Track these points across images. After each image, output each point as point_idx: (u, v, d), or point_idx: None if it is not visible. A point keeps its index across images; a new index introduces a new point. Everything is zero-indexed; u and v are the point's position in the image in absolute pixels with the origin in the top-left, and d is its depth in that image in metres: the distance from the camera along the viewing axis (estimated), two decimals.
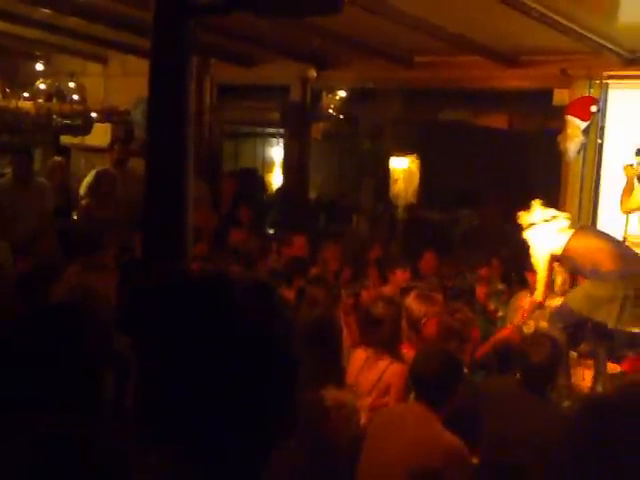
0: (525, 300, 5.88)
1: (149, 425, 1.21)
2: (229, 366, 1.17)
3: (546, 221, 5.56)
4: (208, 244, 6.25)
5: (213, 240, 6.58)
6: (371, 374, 4.32)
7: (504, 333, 5.54)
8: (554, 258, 5.54)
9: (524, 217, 5.68)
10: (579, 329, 5.53)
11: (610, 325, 5.13)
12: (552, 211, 5.62)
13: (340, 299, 5.27)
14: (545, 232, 5.55)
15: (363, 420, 3.74)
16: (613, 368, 6.68)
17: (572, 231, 5.55)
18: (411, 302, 4.72)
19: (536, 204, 5.62)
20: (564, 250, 5.45)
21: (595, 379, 5.36)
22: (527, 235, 5.67)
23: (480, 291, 6.39)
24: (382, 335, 4.36)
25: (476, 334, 4.32)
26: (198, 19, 3.93)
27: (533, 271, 6.50)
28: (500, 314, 6.75)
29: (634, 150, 7.01)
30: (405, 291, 5.39)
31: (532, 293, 6.62)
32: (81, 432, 1.80)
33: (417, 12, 5.97)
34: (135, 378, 1.22)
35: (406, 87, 8.24)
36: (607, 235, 5.75)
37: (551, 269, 5.59)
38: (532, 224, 5.45)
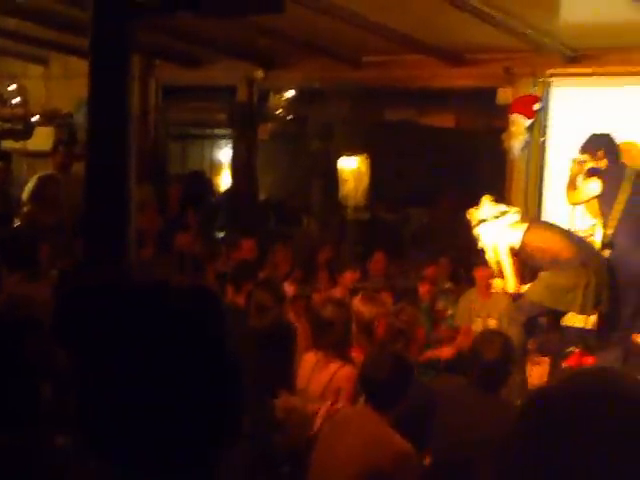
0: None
1: (87, 433, 1.17)
2: (166, 371, 1.14)
3: (496, 217, 5.60)
4: (153, 248, 6.15)
5: (159, 244, 6.48)
6: (322, 377, 4.29)
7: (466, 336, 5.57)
8: (513, 251, 5.57)
9: (474, 214, 5.71)
10: (534, 324, 5.60)
11: (576, 312, 5.17)
12: (502, 207, 5.66)
13: (289, 303, 5.23)
14: (496, 228, 5.59)
15: (315, 424, 3.71)
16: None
17: (524, 225, 5.60)
18: (359, 305, 4.71)
19: (486, 200, 5.65)
20: (521, 245, 5.49)
21: (551, 375, 5.41)
22: (477, 231, 5.71)
23: (423, 290, 6.40)
24: (332, 338, 4.33)
25: (421, 334, 4.31)
26: (140, 19, 3.85)
27: (481, 268, 6.55)
28: (449, 312, 6.80)
29: (578, 147, 7.12)
30: (354, 293, 5.38)
31: (479, 290, 6.69)
32: (19, 444, 1.75)
33: (362, 11, 5.96)
34: (73, 386, 1.18)
35: (354, 87, 8.24)
36: (559, 227, 5.82)
37: (516, 260, 5.62)
38: (482, 220, 5.48)
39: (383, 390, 3.29)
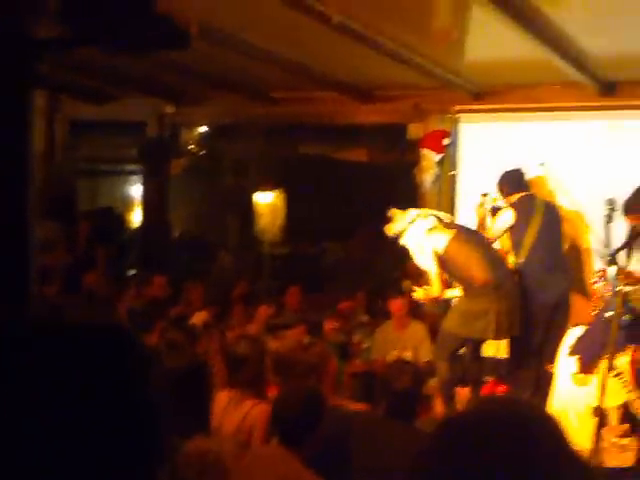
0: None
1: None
2: (73, 414, 1.06)
3: (412, 222, 5.59)
4: (59, 286, 5.96)
5: (67, 282, 6.29)
6: (235, 416, 4.21)
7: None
8: (437, 256, 5.56)
9: (391, 228, 5.70)
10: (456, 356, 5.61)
11: (491, 338, 5.19)
12: (413, 211, 5.66)
13: (203, 340, 5.13)
14: (416, 233, 5.57)
15: (229, 464, 3.62)
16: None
17: (449, 233, 5.57)
18: (274, 341, 4.66)
19: (395, 213, 5.65)
20: (444, 253, 5.52)
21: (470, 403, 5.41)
22: (403, 243, 5.69)
23: (329, 326, 6.37)
24: (246, 375, 4.25)
25: (334, 367, 4.28)
26: (41, 55, 3.76)
27: (396, 300, 6.59)
28: (365, 345, 6.80)
29: (487, 180, 7.30)
30: (270, 328, 5.33)
31: (395, 322, 6.72)
32: None
33: (270, 47, 5.99)
34: None
35: (267, 122, 8.26)
36: (480, 242, 5.84)
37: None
38: (402, 231, 5.47)
39: (294, 427, 3.25)
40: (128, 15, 3.13)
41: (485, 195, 6.47)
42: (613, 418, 4.44)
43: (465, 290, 5.44)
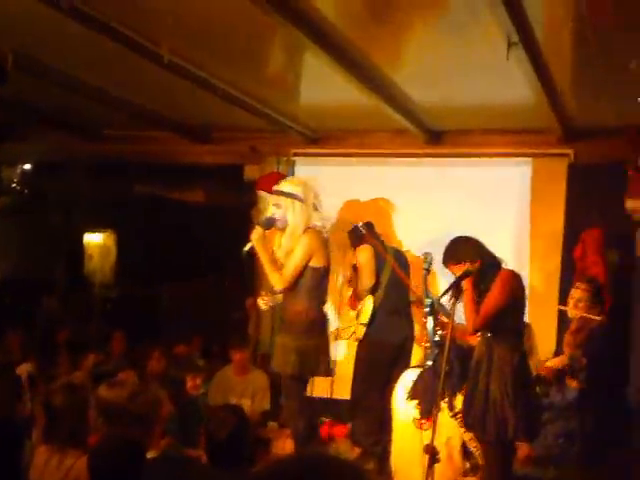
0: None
1: None
2: None
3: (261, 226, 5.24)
4: None
5: None
6: (57, 471, 3.93)
7: None
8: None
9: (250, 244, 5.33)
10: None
11: (322, 375, 5.06)
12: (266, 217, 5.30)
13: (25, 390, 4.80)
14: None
15: None
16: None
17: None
18: (102, 390, 4.41)
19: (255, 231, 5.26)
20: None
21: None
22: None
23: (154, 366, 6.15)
24: (65, 427, 3.99)
25: (166, 412, 4.09)
26: None
27: (238, 349, 6.47)
28: (202, 391, 6.62)
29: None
30: (95, 376, 5.06)
31: (235, 368, 6.59)
32: None
33: (101, 85, 5.82)
34: None
35: (97, 161, 8.00)
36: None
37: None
38: (257, 234, 5.15)
39: (106, 477, 3.09)
40: None
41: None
42: (456, 457, 4.54)
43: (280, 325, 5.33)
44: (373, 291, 6.14)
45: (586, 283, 5.62)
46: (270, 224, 5.04)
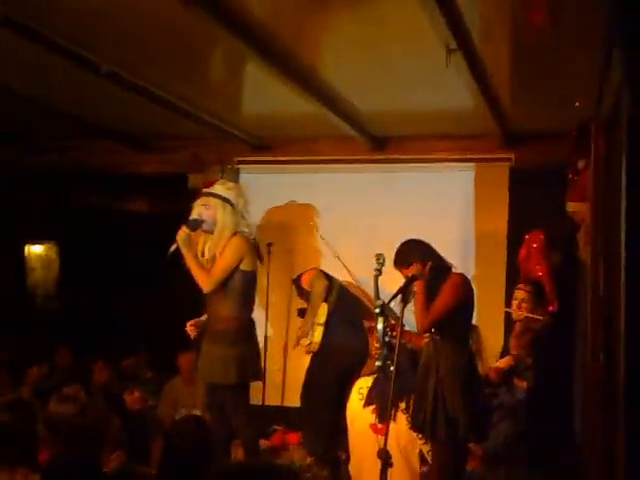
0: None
1: None
2: None
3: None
4: None
5: None
6: None
7: None
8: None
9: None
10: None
11: (232, 382, 4.95)
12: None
13: None
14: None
15: None
16: (263, 444, 6.83)
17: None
18: (53, 406, 4.32)
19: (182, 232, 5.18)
20: None
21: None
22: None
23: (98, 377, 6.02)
24: (14, 447, 3.89)
25: (114, 429, 4.04)
26: None
27: (184, 354, 6.37)
28: (150, 403, 6.54)
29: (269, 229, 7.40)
30: (41, 391, 4.96)
31: (183, 378, 6.51)
32: None
33: (34, 94, 5.72)
34: None
35: (33, 171, 7.84)
36: None
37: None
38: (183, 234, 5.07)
39: None
40: None
41: None
42: (414, 461, 4.56)
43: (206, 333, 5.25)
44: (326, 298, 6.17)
45: (528, 284, 5.73)
46: (196, 225, 5.02)
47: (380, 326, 4.20)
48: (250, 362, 5.07)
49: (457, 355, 4.23)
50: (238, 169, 7.55)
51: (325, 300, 6.16)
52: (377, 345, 5.27)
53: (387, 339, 4.27)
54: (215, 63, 5.14)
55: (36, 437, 4.07)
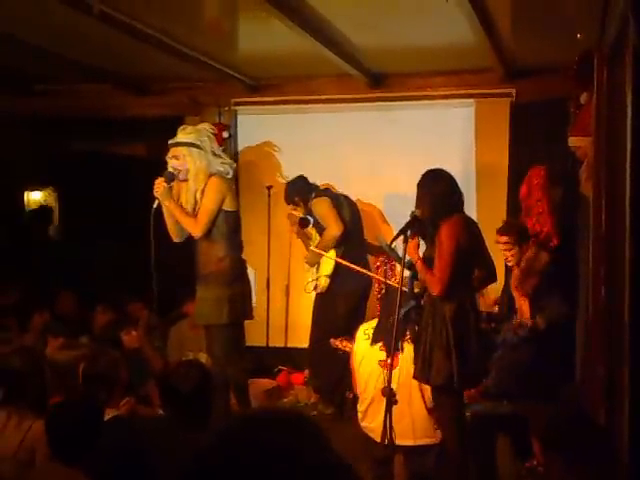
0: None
1: None
2: None
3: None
4: None
5: None
6: (15, 436, 3.89)
7: None
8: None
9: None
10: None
11: (224, 322, 5.06)
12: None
13: None
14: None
15: None
16: (270, 383, 6.92)
17: None
18: (55, 353, 4.35)
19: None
20: None
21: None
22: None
23: (100, 320, 6.05)
24: (22, 390, 3.94)
25: (125, 377, 4.06)
26: None
27: (190, 300, 6.39)
28: (156, 344, 6.58)
29: (268, 171, 7.35)
30: (45, 336, 4.98)
31: (190, 322, 6.54)
32: None
33: (30, 39, 5.62)
34: None
35: (31, 116, 7.75)
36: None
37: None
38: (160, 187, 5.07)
39: (67, 443, 3.07)
40: None
41: (293, 210, 6.52)
42: (415, 398, 4.59)
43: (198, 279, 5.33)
44: (341, 240, 6.18)
45: (503, 235, 5.45)
46: (172, 177, 5.05)
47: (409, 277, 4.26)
48: (241, 302, 5.15)
49: (454, 304, 4.13)
50: (235, 111, 7.48)
51: (340, 242, 6.19)
52: (379, 291, 5.35)
53: (416, 290, 4.31)
54: (209, 1, 5.05)
55: (43, 383, 4.12)
